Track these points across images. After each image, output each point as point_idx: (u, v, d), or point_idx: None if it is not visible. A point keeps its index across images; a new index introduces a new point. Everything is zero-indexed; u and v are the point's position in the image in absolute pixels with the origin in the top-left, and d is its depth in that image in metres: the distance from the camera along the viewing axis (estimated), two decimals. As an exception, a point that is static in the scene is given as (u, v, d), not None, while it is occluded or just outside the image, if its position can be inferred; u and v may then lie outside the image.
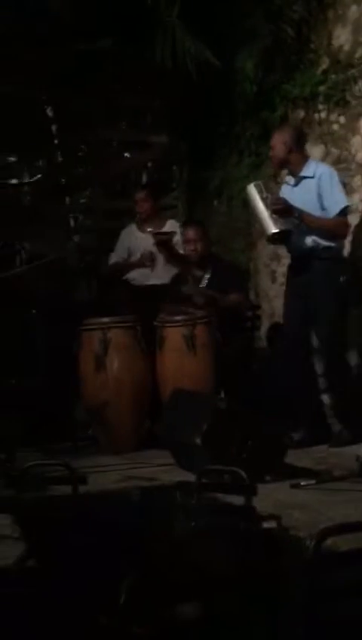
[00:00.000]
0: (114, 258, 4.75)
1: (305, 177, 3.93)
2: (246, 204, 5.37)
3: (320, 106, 4.86)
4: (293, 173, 3.98)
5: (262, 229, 3.95)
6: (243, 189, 5.48)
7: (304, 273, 3.92)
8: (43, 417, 4.46)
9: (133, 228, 4.77)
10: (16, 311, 4.33)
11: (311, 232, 3.85)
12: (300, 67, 4.96)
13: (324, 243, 3.87)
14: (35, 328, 4.45)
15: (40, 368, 4.37)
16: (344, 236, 4.08)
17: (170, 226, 4.73)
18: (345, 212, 3.92)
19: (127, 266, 4.71)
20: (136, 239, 4.69)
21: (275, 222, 3.80)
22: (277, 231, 3.82)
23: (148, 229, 4.65)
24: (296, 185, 3.97)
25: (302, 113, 5.00)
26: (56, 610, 1.42)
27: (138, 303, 4.49)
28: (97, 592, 1.42)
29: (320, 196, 3.85)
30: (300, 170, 3.94)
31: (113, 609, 1.34)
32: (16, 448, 3.71)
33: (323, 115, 4.84)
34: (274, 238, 3.93)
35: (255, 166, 5.42)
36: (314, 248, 3.87)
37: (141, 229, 4.72)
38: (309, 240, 3.87)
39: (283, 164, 4.02)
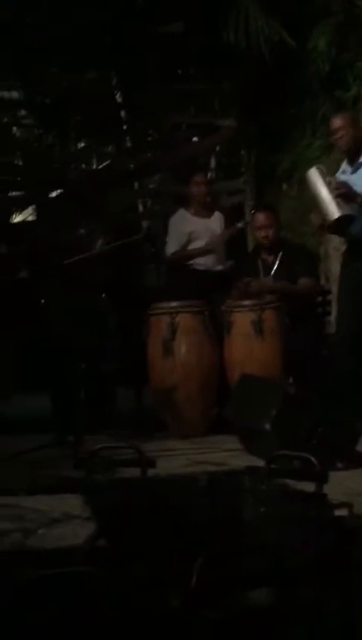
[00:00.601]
0: (174, 247, 4.62)
1: None
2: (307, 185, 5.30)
3: (396, 85, 4.70)
4: (352, 160, 3.83)
5: (324, 215, 3.78)
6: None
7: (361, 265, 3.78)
8: (112, 401, 4.51)
9: (184, 213, 4.64)
10: (86, 295, 4.37)
11: None
12: (375, 44, 4.82)
13: None
14: (105, 313, 4.48)
15: (110, 353, 4.41)
16: None
17: (218, 217, 4.64)
18: None
19: (192, 253, 4.63)
20: (197, 224, 4.58)
21: (339, 206, 3.67)
22: (341, 215, 3.69)
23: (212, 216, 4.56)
24: (354, 172, 3.82)
25: (376, 92, 4.86)
26: (126, 590, 1.42)
27: (206, 288, 4.44)
28: (168, 574, 1.41)
29: None
30: (359, 156, 3.79)
31: (184, 592, 1.33)
32: (85, 431, 3.76)
33: None
34: (337, 224, 3.79)
35: (326, 147, 5.30)
36: None
37: (196, 213, 4.61)
38: None
39: (350, 148, 3.82)
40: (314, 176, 3.76)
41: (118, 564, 1.53)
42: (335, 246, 5.36)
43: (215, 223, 4.62)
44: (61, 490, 2.39)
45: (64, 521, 2.21)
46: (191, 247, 4.59)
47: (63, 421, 4.00)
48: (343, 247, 5.17)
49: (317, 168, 3.80)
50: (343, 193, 3.67)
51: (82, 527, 2.06)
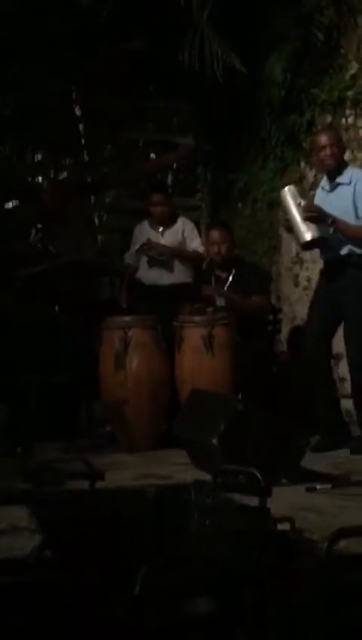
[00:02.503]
0: (128, 258, 4.73)
1: (341, 184, 3.85)
2: (274, 207, 5.41)
3: (348, 111, 4.85)
4: (332, 178, 3.87)
5: (295, 235, 3.87)
6: (268, 193, 5.55)
7: (336, 280, 3.86)
8: (63, 413, 4.51)
9: (145, 225, 4.73)
10: (40, 308, 4.37)
11: (345, 240, 3.79)
12: (329, 72, 4.96)
13: (358, 251, 3.81)
14: (59, 326, 4.49)
15: (62, 365, 4.42)
16: None
17: (181, 223, 4.72)
18: None
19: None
20: (149, 236, 4.65)
21: (308, 229, 3.73)
22: (309, 239, 3.76)
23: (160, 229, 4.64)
24: (331, 190, 3.88)
25: (329, 118, 4.99)
26: (70, 600, 1.45)
27: (154, 302, 4.49)
28: (112, 584, 1.45)
29: (354, 203, 3.77)
30: (339, 175, 3.85)
31: (127, 601, 1.37)
32: (35, 443, 3.75)
33: (350, 120, 4.84)
34: (308, 245, 3.88)
35: (280, 169, 5.43)
36: (348, 256, 3.81)
37: (154, 227, 4.69)
38: (343, 247, 3.81)
39: (334, 165, 3.84)
40: (287, 197, 3.81)
41: (63, 575, 1.56)
42: (287, 266, 5.48)
43: (171, 235, 4.66)
44: (8, 502, 2.39)
45: (11, 532, 2.22)
46: (142, 259, 4.65)
47: (15, 432, 4.00)
48: (298, 269, 5.31)
49: (290, 190, 3.83)
50: (312, 217, 3.72)
51: (29, 538, 2.07)
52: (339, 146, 3.89)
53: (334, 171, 3.85)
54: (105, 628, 1.37)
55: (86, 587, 1.46)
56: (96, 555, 1.71)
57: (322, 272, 4.09)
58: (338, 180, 3.86)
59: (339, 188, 3.86)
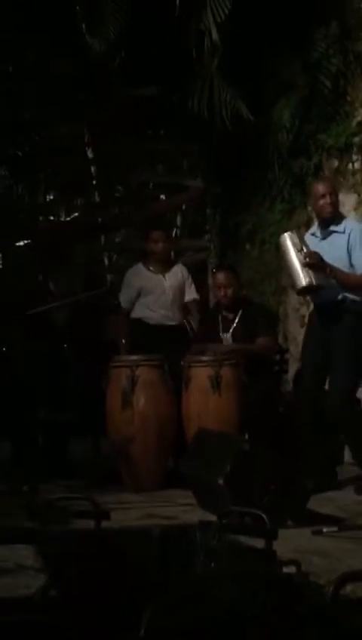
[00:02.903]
0: (123, 301, 4.63)
1: (335, 232, 3.90)
2: (278, 250, 5.47)
3: (354, 157, 4.94)
4: (326, 226, 3.94)
5: (292, 280, 3.90)
6: (275, 234, 5.61)
7: (329, 324, 3.91)
8: (69, 452, 4.51)
9: (140, 267, 4.67)
10: (48, 345, 4.41)
11: (340, 286, 3.84)
12: (336, 118, 5.07)
13: (351, 297, 3.87)
14: (67, 363, 4.52)
15: (70, 403, 4.43)
16: None
17: (179, 269, 4.70)
18: None
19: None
20: (149, 279, 4.60)
21: (306, 275, 3.77)
22: (307, 285, 3.80)
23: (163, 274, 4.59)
24: (323, 238, 3.93)
25: (336, 163, 5.09)
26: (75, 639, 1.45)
27: (157, 342, 4.49)
28: (117, 625, 1.45)
29: (349, 252, 3.83)
30: (333, 223, 3.92)
31: (132, 642, 1.37)
32: (41, 481, 3.75)
33: (356, 165, 4.93)
34: (303, 291, 3.93)
35: (287, 212, 5.51)
36: (342, 301, 3.87)
37: (151, 268, 4.62)
38: (338, 293, 3.86)
39: (331, 214, 3.90)
40: (287, 242, 3.84)
41: (68, 614, 1.56)
42: (294, 306, 5.52)
43: (170, 279, 4.63)
44: (14, 541, 2.39)
45: (16, 571, 2.21)
46: (141, 301, 4.59)
47: (20, 469, 3.99)
48: (305, 310, 5.34)
49: (290, 235, 3.87)
50: (313, 264, 3.75)
51: (34, 577, 2.07)
52: (336, 195, 3.96)
53: (329, 220, 3.92)
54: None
55: (91, 627, 1.46)
56: (101, 595, 1.71)
57: (312, 316, 4.13)
58: (332, 228, 3.91)
59: (333, 236, 3.91)
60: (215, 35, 4.98)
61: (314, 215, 5.28)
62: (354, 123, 4.96)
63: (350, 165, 4.96)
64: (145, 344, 4.45)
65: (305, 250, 3.80)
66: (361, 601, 1.64)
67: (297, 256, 3.79)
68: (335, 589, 1.47)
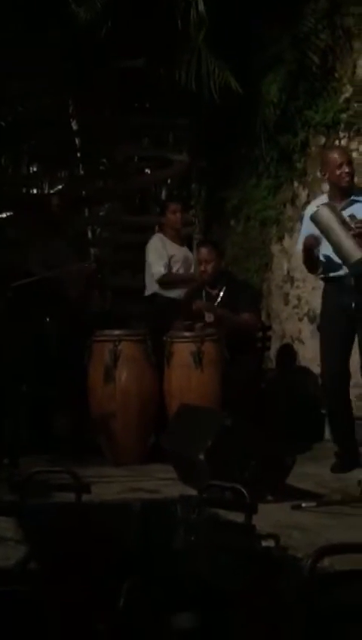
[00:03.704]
0: (161, 268, 4.63)
1: (356, 201, 3.75)
2: (267, 224, 5.44)
3: (341, 134, 4.91)
4: (345, 195, 3.75)
5: (343, 254, 3.60)
6: (261, 211, 5.58)
7: (354, 293, 3.71)
8: (50, 425, 4.51)
9: (163, 237, 4.75)
10: (30, 319, 4.38)
11: None
12: (323, 94, 5.02)
13: None
14: (48, 337, 4.50)
15: (51, 377, 4.42)
16: None
17: (187, 249, 4.77)
18: None
19: (179, 278, 4.67)
20: (176, 249, 4.73)
21: (359, 246, 3.53)
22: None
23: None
24: (343, 208, 3.72)
25: (322, 139, 5.05)
26: (54, 612, 1.45)
27: (174, 315, 4.53)
28: (97, 596, 1.46)
29: None
30: (353, 192, 3.77)
31: (112, 613, 1.38)
32: (22, 454, 3.75)
33: (343, 142, 4.90)
34: (358, 263, 3.57)
35: (273, 188, 5.48)
36: None
37: (173, 239, 4.74)
38: None
39: (349, 183, 3.73)
40: (326, 214, 3.59)
41: (48, 586, 1.57)
42: (277, 284, 5.52)
43: (188, 252, 4.79)
44: (-6, 513, 2.39)
45: (-4, 543, 2.22)
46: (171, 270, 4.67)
47: (1, 443, 3.99)
48: (288, 287, 5.32)
49: (328, 206, 3.63)
50: None
51: (14, 549, 2.08)
52: (352, 163, 3.82)
53: (347, 189, 3.77)
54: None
55: (70, 599, 1.47)
56: (81, 568, 1.72)
57: (328, 288, 3.90)
58: (354, 197, 3.77)
59: (355, 205, 3.75)
60: (201, 7, 4.90)
61: (299, 191, 5.32)
62: (341, 99, 4.93)
63: (337, 142, 4.93)
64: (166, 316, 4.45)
65: (348, 218, 3.57)
66: (339, 574, 1.67)
67: (342, 227, 3.55)
68: (313, 563, 1.49)
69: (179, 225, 4.78)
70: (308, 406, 4.75)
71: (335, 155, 3.87)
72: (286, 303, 5.41)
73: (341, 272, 3.76)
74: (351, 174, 3.79)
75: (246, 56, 5.16)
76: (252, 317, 4.56)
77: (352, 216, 3.62)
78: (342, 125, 4.89)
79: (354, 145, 4.82)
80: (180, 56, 5.13)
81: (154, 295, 4.72)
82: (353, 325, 3.77)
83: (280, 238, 5.46)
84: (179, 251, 4.75)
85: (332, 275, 3.83)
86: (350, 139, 4.85)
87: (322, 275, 3.92)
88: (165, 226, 4.81)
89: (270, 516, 2.64)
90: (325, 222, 3.60)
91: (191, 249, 5.23)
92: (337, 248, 3.62)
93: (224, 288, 4.49)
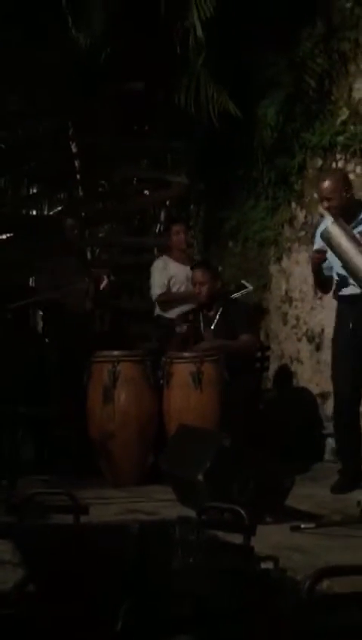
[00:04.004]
0: (158, 289, 4.77)
1: None
2: (265, 245, 5.47)
3: (338, 156, 4.96)
4: (352, 215, 3.72)
5: (355, 270, 3.56)
6: (258, 232, 5.62)
7: None
8: (49, 446, 4.50)
9: (166, 259, 4.86)
10: (30, 339, 4.39)
11: None
12: (320, 117, 5.08)
13: None
14: (48, 358, 4.50)
15: (50, 397, 4.42)
16: None
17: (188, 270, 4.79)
18: None
19: (176, 297, 4.74)
20: (177, 269, 4.78)
21: None
22: None
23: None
24: (355, 227, 3.69)
25: (319, 162, 5.10)
26: (52, 635, 1.45)
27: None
28: (95, 619, 1.45)
29: None
30: (358, 211, 3.74)
31: (110, 636, 1.37)
32: (20, 475, 3.74)
33: (340, 164, 4.94)
34: None
35: (271, 209, 5.52)
36: None
37: (176, 260, 4.81)
38: None
39: (342, 210, 3.70)
40: (336, 231, 3.58)
41: (45, 609, 1.56)
42: (276, 304, 5.54)
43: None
44: (-8, 535, 2.38)
45: (-6, 565, 2.21)
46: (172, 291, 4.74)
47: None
48: (287, 307, 5.34)
49: (337, 223, 3.62)
50: None
51: (12, 572, 2.07)
52: (349, 190, 3.75)
53: (351, 212, 3.71)
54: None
55: (68, 622, 1.47)
56: (78, 590, 1.71)
57: (342, 308, 3.86)
58: (361, 216, 3.74)
59: None
60: (199, 32, 4.98)
61: (297, 212, 5.36)
62: (338, 122, 4.98)
63: (334, 164, 4.97)
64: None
65: (357, 236, 3.56)
66: (338, 596, 1.66)
67: (352, 244, 3.54)
68: (311, 585, 1.48)
69: (183, 245, 4.84)
70: (306, 426, 4.75)
71: (321, 185, 3.82)
72: (285, 323, 5.42)
73: (356, 291, 3.72)
74: (336, 206, 3.69)
75: (244, 79, 5.23)
76: (250, 338, 4.56)
77: (358, 235, 3.59)
78: (339, 147, 4.94)
79: (350, 167, 4.87)
80: (179, 80, 5.20)
81: (158, 317, 4.79)
82: None
83: (279, 259, 5.49)
84: (183, 271, 4.78)
85: (346, 294, 3.79)
86: (347, 161, 4.90)
87: (336, 294, 3.88)
88: (170, 248, 4.88)
89: (269, 538, 2.63)
90: (335, 238, 3.59)
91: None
92: (347, 264, 3.60)
93: (221, 310, 4.50)
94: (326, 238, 3.63)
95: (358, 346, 3.75)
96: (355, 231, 3.66)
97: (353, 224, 3.72)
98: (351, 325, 3.78)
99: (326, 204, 3.75)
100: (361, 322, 3.74)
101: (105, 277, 4.74)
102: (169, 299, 4.77)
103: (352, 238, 3.56)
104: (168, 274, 4.77)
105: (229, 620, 1.74)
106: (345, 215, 3.70)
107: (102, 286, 4.70)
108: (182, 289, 4.79)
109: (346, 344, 3.80)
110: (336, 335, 3.92)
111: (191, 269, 4.62)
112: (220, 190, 5.92)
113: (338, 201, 3.71)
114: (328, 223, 3.66)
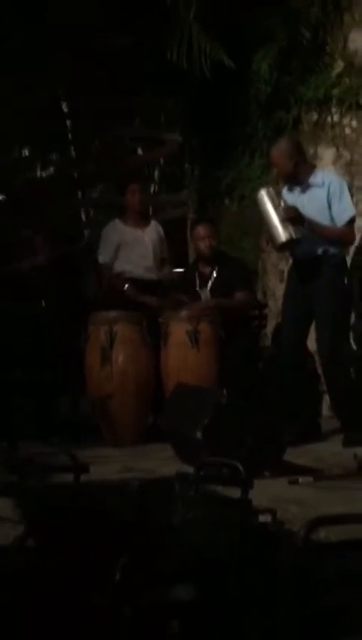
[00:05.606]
0: (103, 256, 4.57)
1: (312, 186, 3.90)
2: (256, 206, 5.44)
3: (334, 109, 4.89)
4: (300, 182, 3.94)
5: (271, 236, 3.91)
6: (255, 190, 5.55)
7: (310, 278, 3.93)
8: (48, 408, 4.52)
9: (117, 223, 4.63)
10: (24, 303, 4.38)
11: (320, 239, 3.86)
12: (315, 70, 4.99)
13: (332, 250, 3.89)
14: (43, 321, 4.50)
15: (47, 360, 4.42)
16: (351, 244, 4.15)
17: (155, 226, 4.67)
18: (352, 221, 3.91)
19: (118, 282, 4.53)
20: (129, 233, 4.57)
21: (285, 229, 3.79)
22: (287, 240, 3.80)
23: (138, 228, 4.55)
24: (302, 192, 3.93)
25: (315, 115, 5.03)
26: (51, 587, 1.47)
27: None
28: (93, 572, 1.47)
29: (329, 205, 3.84)
30: (307, 178, 3.91)
31: (108, 588, 1.39)
32: (20, 438, 3.77)
33: (335, 118, 4.88)
34: (283, 246, 3.92)
35: (267, 166, 5.44)
36: (323, 254, 3.88)
37: (130, 223, 4.60)
38: (318, 247, 3.87)
39: (290, 177, 3.94)
40: (264, 198, 3.84)
41: (44, 562, 1.58)
42: (273, 262, 5.51)
43: (149, 233, 4.61)
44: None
45: (-5, 523, 2.23)
46: (120, 256, 4.54)
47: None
48: (284, 265, 5.34)
49: (267, 191, 3.86)
50: (292, 217, 3.77)
51: (13, 529, 2.09)
52: (292, 158, 3.90)
53: (302, 175, 3.91)
54: (85, 614, 1.40)
55: (67, 575, 1.49)
56: (78, 546, 1.73)
57: (291, 271, 4.15)
58: (311, 181, 3.90)
59: (312, 190, 3.90)
60: (190, -17, 4.86)
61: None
62: (333, 75, 4.90)
63: (329, 118, 4.90)
64: (124, 300, 4.44)
65: (282, 204, 3.80)
66: (333, 544, 1.68)
67: (276, 211, 3.80)
68: (306, 534, 1.50)
69: (138, 206, 4.59)
70: (305, 383, 4.77)
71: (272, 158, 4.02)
72: (282, 280, 5.40)
73: (302, 257, 3.96)
74: (281, 173, 3.99)
75: (237, 32, 5.12)
76: (247, 295, 4.55)
77: (282, 204, 3.81)
78: (334, 100, 4.87)
79: (346, 120, 4.81)
80: (170, 34, 5.09)
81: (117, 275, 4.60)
82: (309, 308, 3.93)
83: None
84: (131, 235, 4.56)
85: (294, 255, 4.05)
86: (342, 114, 4.83)
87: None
88: (126, 208, 4.63)
89: (267, 491, 2.66)
90: (260, 205, 3.88)
91: (185, 229, 5.22)
92: (270, 231, 3.87)
93: (217, 268, 4.48)
94: (257, 202, 3.93)
95: (302, 306, 3.96)
96: (292, 201, 3.87)
97: (299, 189, 3.90)
98: (296, 285, 4.04)
99: (275, 170, 4.00)
100: (307, 281, 3.95)
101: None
102: (110, 276, 4.54)
103: (276, 208, 3.79)
104: (115, 238, 4.54)
105: (227, 572, 1.76)
106: (292, 181, 3.92)
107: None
108: (132, 252, 4.55)
109: (292, 303, 4.06)
110: (284, 295, 4.21)
111: (192, 225, 4.56)
112: (215, 147, 5.84)
113: (284, 168, 3.91)
114: (260, 190, 3.92)
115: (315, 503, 2.68)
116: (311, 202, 3.86)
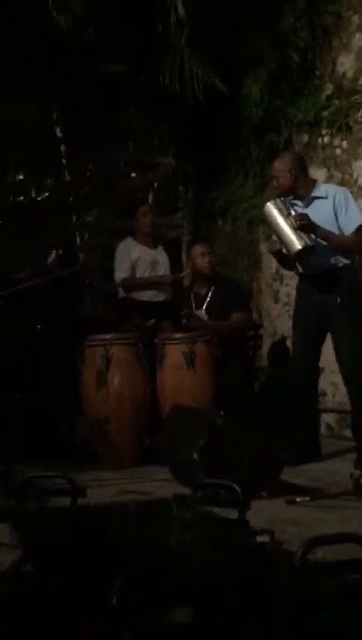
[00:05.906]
0: (121, 273, 4.69)
1: (317, 198, 3.89)
2: (255, 224, 5.48)
3: (324, 131, 4.95)
4: (302, 197, 3.92)
5: (286, 246, 3.81)
6: (248, 210, 5.62)
7: (323, 291, 3.86)
8: (45, 431, 4.52)
9: (130, 241, 4.75)
10: (21, 326, 4.39)
11: (331, 250, 3.81)
12: (305, 92, 5.06)
13: (344, 261, 3.84)
14: (40, 343, 4.51)
15: (43, 383, 4.43)
16: (360, 252, 4.03)
17: (162, 250, 4.77)
18: (360, 229, 3.84)
19: (141, 282, 4.68)
20: (142, 252, 4.69)
21: (299, 237, 3.73)
22: (303, 247, 3.73)
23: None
24: (306, 206, 3.90)
25: (306, 137, 5.09)
26: (49, 612, 1.47)
27: (147, 318, 4.52)
28: (91, 596, 1.47)
29: (335, 215, 3.82)
30: (310, 192, 3.91)
31: (105, 612, 1.39)
32: (17, 462, 3.76)
33: (326, 139, 4.93)
34: (300, 255, 3.80)
35: (259, 187, 5.51)
36: (335, 266, 3.83)
37: (142, 242, 4.72)
38: (330, 258, 3.82)
39: (290, 191, 3.93)
40: (271, 210, 3.79)
41: (41, 586, 1.58)
42: (267, 282, 5.55)
43: (160, 254, 4.75)
44: (-10, 519, 2.40)
45: (-8, 548, 2.23)
46: (136, 274, 4.65)
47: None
48: (278, 285, 5.37)
49: (274, 203, 3.82)
50: (304, 225, 3.72)
51: (10, 554, 2.09)
52: (292, 173, 3.90)
53: (300, 192, 3.91)
54: (83, 639, 1.39)
55: (65, 600, 1.49)
56: (76, 570, 1.73)
57: (301, 284, 4.06)
58: (314, 194, 3.90)
59: (316, 202, 3.89)
60: (181, 10, 4.94)
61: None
62: (323, 97, 4.96)
63: (319, 140, 4.96)
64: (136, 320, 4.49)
65: (292, 213, 3.76)
66: (330, 564, 1.68)
67: (286, 221, 3.75)
68: (303, 554, 1.50)
69: (148, 227, 4.70)
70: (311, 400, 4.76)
71: (273, 172, 4.02)
72: (277, 300, 5.44)
73: (313, 270, 3.88)
74: (281, 187, 3.94)
75: (227, 57, 5.20)
76: (242, 316, 4.58)
77: (292, 213, 3.77)
78: (324, 122, 4.93)
79: (336, 141, 4.86)
80: (162, 59, 5.17)
81: (124, 299, 4.71)
82: (323, 322, 3.86)
83: (268, 237, 5.49)
84: (147, 254, 4.68)
85: (305, 269, 3.95)
86: (332, 136, 4.89)
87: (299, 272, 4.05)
88: (136, 230, 4.76)
89: (264, 512, 2.66)
90: (270, 218, 3.83)
91: (180, 251, 5.25)
92: (283, 241, 3.80)
93: (212, 288, 4.51)
94: (266, 214, 3.87)
95: (315, 323, 3.89)
96: (300, 210, 3.83)
97: (302, 204, 3.88)
98: (308, 302, 3.95)
99: (274, 182, 3.96)
100: (317, 300, 3.88)
101: (53, 251, 4.56)
102: (133, 284, 4.67)
103: (286, 217, 3.75)
104: (132, 257, 4.66)
105: (225, 593, 1.76)
106: (292, 194, 3.90)
107: (50, 259, 4.55)
108: (147, 273, 4.67)
109: (305, 321, 3.98)
110: (295, 313, 4.11)
111: (189, 246, 4.61)
112: (208, 170, 5.90)
113: (283, 181, 3.90)
114: (267, 203, 3.89)
115: (313, 522, 2.69)
116: (316, 214, 3.81)
